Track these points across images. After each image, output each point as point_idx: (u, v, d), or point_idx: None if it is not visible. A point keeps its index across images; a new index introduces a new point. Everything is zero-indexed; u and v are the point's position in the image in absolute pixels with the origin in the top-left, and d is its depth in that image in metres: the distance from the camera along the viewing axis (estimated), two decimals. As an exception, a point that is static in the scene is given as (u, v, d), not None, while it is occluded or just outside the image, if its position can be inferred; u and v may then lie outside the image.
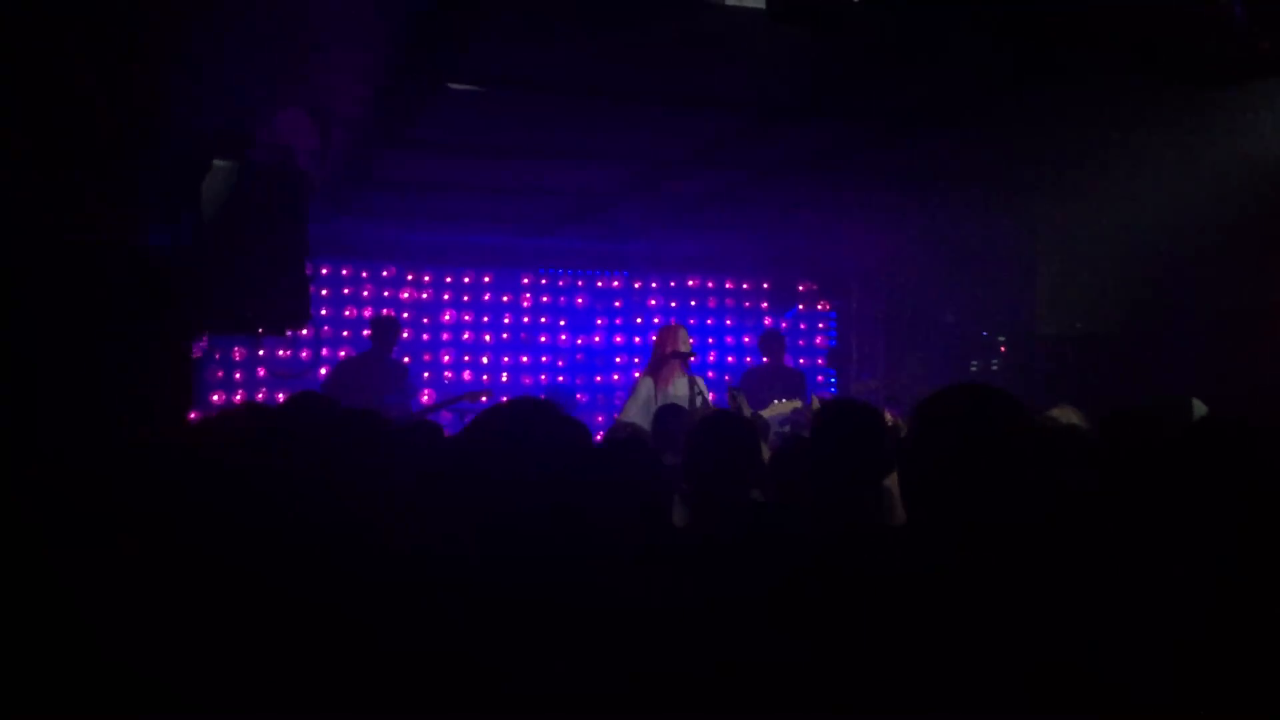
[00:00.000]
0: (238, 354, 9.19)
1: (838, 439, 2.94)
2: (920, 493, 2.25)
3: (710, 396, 7.11)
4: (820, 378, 11.44)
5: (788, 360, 9.52)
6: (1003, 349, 9.44)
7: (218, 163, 4.41)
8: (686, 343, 7.08)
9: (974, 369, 9.54)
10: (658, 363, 7.09)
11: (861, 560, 2.09)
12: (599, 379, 10.79)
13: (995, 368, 9.43)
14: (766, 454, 3.95)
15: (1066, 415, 4.56)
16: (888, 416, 3.86)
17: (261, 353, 9.07)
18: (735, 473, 3.39)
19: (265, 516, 1.51)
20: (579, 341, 10.83)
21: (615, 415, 7.08)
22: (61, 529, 1.33)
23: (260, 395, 9.22)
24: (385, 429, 2.50)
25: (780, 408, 7.14)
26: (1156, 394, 5.64)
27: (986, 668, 1.84)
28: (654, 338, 7.33)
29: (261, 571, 1.43)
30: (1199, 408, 4.58)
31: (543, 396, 9.86)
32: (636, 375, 7.42)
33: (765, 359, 9.20)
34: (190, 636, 1.31)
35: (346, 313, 9.97)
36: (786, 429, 7.41)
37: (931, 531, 2.16)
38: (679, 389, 6.94)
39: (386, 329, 8.36)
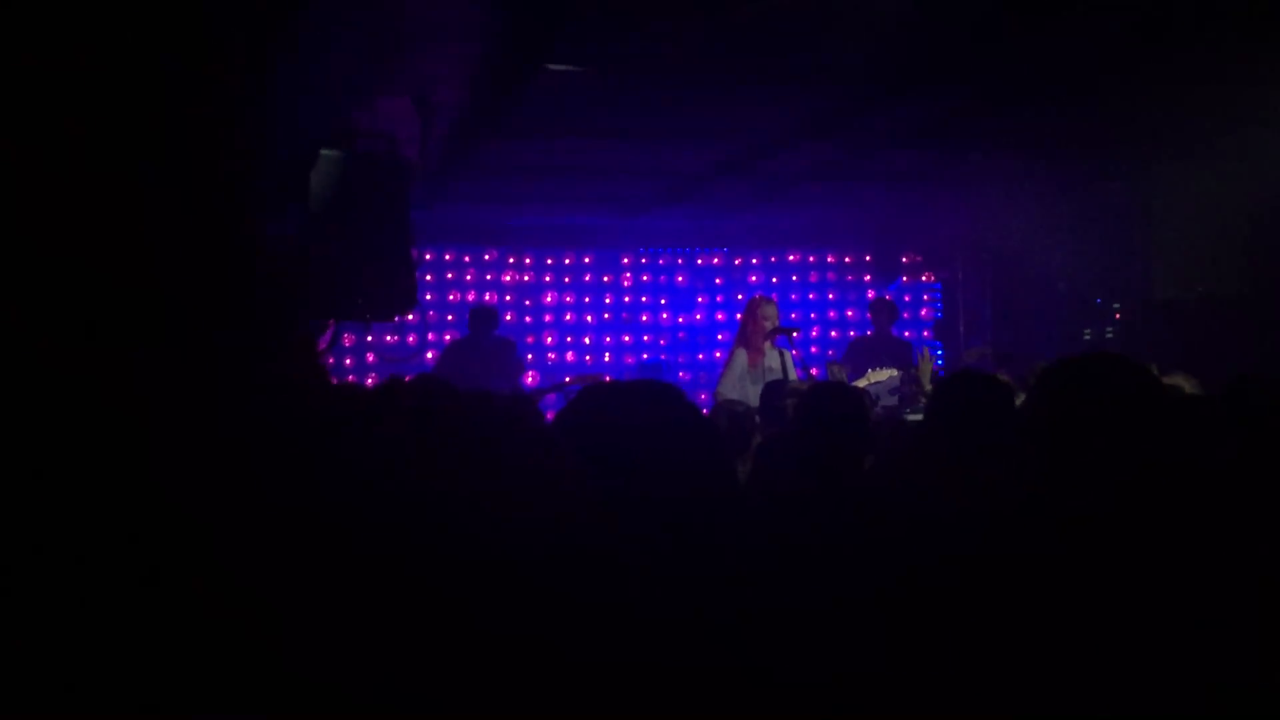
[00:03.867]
0: (347, 340, 9.37)
1: (961, 413, 2.88)
2: (1041, 464, 2.19)
3: (813, 371, 7.01)
4: (926, 350, 11.20)
5: (894, 331, 9.34)
6: (1118, 315, 9.12)
7: (325, 153, 4.46)
8: (775, 317, 6.94)
9: (1087, 337, 9.24)
10: (747, 335, 6.97)
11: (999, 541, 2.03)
12: (701, 356, 10.75)
13: (1110, 335, 9.11)
14: None
15: (1180, 384, 4.37)
16: (1001, 377, 3.77)
17: (370, 338, 9.24)
18: (846, 444, 3.35)
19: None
20: (680, 320, 10.81)
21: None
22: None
23: (370, 380, 9.40)
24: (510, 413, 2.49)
25: (876, 375, 6.97)
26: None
27: (1110, 650, 1.78)
28: (740, 315, 7.20)
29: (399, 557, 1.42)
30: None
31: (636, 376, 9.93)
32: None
33: (872, 329, 9.02)
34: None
35: (450, 297, 10.12)
36: (895, 400, 7.25)
37: (1054, 505, 2.09)
38: (772, 361, 6.84)
39: (480, 318, 8.63)
